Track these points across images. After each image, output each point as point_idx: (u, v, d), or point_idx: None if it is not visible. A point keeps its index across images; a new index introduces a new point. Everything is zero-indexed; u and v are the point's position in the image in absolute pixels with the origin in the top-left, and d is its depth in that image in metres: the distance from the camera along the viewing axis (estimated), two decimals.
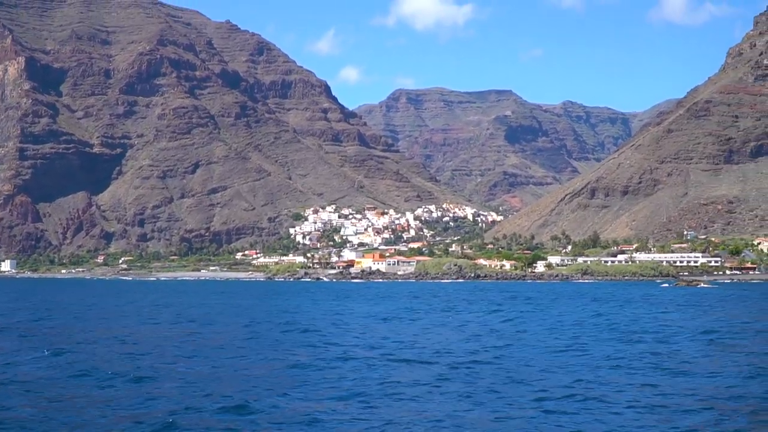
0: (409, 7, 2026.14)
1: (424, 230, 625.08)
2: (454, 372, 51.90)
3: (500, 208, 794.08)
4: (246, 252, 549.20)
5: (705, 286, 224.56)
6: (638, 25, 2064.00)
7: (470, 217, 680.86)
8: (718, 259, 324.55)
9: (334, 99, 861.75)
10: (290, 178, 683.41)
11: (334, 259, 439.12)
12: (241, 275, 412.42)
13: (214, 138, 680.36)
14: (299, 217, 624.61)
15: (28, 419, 37.93)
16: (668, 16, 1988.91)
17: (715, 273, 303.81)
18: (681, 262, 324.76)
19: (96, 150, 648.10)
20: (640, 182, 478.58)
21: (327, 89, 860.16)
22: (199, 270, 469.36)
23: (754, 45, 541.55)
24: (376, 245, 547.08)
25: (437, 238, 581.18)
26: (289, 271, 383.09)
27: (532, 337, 74.67)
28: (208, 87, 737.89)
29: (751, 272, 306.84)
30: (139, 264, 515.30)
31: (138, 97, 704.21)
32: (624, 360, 58.27)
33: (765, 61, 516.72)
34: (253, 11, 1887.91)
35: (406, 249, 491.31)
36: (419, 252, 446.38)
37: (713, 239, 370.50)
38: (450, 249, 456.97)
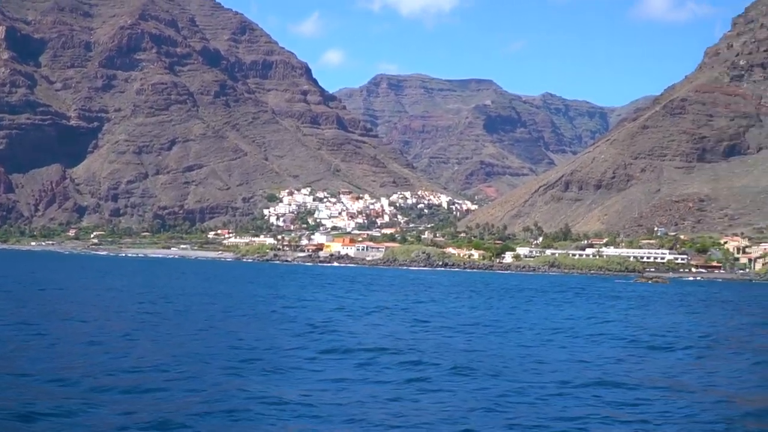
0: None
1: (399, 216, 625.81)
2: None
3: (476, 197, 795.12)
4: (218, 231, 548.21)
5: (662, 283, 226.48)
6: (620, 21, 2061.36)
7: (445, 205, 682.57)
8: (685, 256, 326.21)
9: (315, 81, 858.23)
10: (266, 159, 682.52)
11: (304, 242, 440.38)
12: (211, 254, 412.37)
13: (192, 115, 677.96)
14: (274, 199, 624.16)
15: None
16: (651, 13, 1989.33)
17: (681, 270, 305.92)
18: (648, 258, 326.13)
19: (73, 123, 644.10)
20: (613, 177, 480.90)
21: (308, 71, 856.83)
22: (169, 248, 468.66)
23: (731, 46, 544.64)
24: (349, 230, 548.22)
25: (411, 225, 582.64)
26: (258, 253, 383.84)
27: None
28: (189, 64, 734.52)
29: (716, 271, 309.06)
30: (110, 239, 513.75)
31: (117, 71, 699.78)
32: None
33: (741, 62, 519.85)
34: None
35: (379, 234, 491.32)
36: (391, 238, 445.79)
37: (682, 236, 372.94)
38: (422, 236, 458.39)
